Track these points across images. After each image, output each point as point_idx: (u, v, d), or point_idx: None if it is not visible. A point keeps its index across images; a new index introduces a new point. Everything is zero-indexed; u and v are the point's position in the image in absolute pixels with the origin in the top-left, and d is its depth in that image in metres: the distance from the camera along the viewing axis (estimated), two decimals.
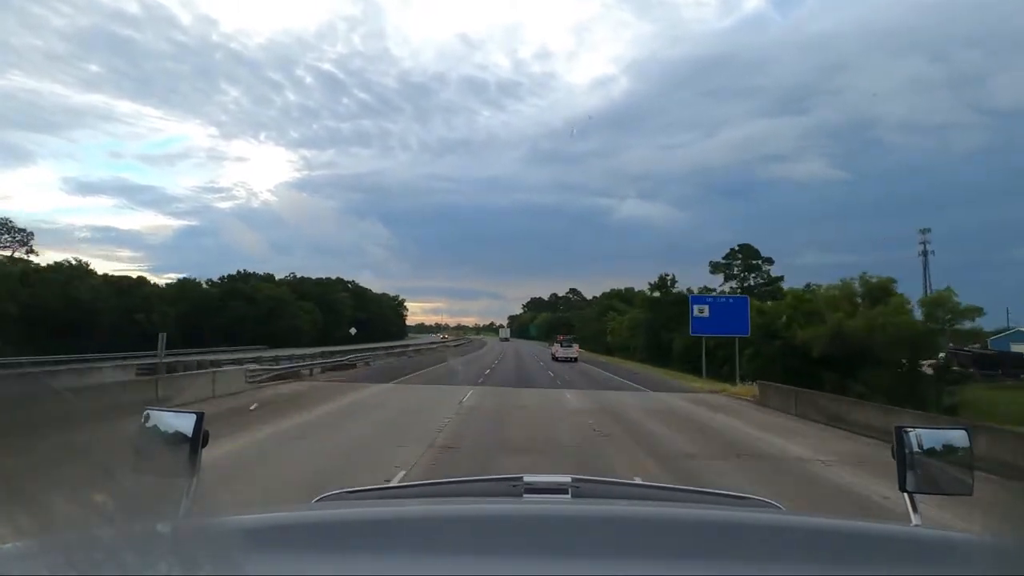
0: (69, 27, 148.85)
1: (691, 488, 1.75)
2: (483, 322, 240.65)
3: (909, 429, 1.40)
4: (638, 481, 1.95)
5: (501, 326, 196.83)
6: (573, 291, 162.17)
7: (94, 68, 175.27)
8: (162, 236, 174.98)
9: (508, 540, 0.97)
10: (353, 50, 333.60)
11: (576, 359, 42.68)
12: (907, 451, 1.38)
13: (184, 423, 1.36)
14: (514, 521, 1.11)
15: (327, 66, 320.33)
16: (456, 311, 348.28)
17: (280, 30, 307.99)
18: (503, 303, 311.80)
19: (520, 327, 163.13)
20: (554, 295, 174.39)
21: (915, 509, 1.35)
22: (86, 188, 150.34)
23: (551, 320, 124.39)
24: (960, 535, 1.10)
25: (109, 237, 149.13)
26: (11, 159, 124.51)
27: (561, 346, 44.91)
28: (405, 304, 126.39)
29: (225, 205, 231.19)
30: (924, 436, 1.40)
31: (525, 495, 1.44)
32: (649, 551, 0.93)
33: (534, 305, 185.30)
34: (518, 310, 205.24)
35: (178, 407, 2.16)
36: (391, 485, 1.88)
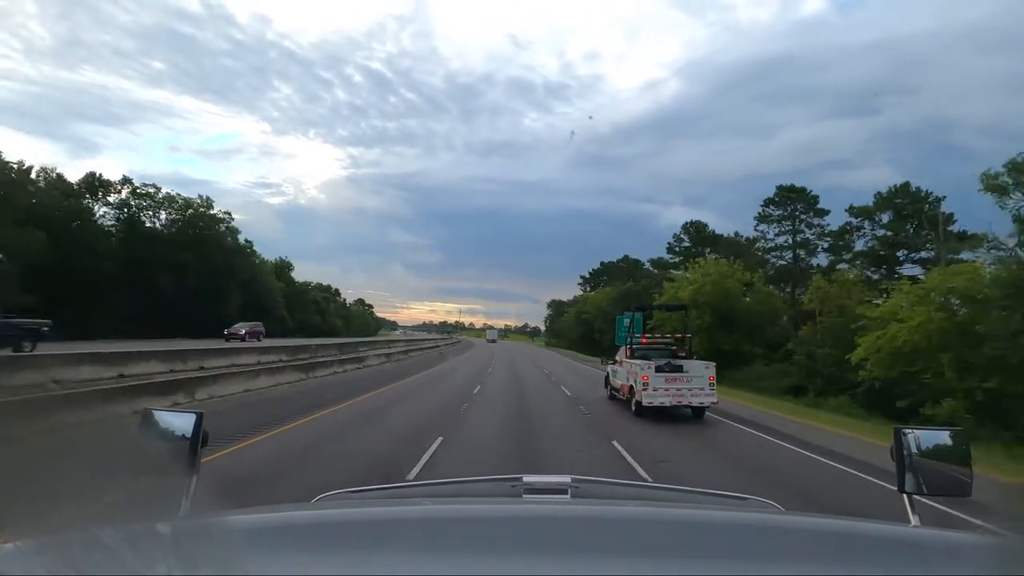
0: (134, 24, 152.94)
1: (690, 488, 1.74)
2: (518, 323, 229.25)
3: (907, 431, 1.41)
4: (637, 481, 1.94)
5: (490, 327, 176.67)
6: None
7: (157, 64, 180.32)
8: None
9: (508, 540, 0.97)
10: (402, 49, 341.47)
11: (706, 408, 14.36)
12: (905, 453, 1.39)
13: (184, 423, 1.37)
14: (514, 521, 1.11)
15: (376, 65, 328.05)
16: (493, 312, 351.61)
17: (332, 29, 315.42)
18: (540, 307, 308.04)
19: (580, 324, 75.28)
20: (697, 222, 60.42)
21: (914, 510, 1.35)
22: (148, 180, 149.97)
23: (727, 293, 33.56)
24: (960, 535, 1.10)
25: None
26: (81, 151, 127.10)
27: (670, 368, 14.06)
28: (289, 267, 70.34)
29: (275, 201, 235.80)
30: (922, 438, 1.40)
31: (525, 495, 1.44)
32: (648, 551, 0.93)
33: (613, 273, 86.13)
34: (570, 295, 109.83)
35: None
36: (391, 485, 1.88)
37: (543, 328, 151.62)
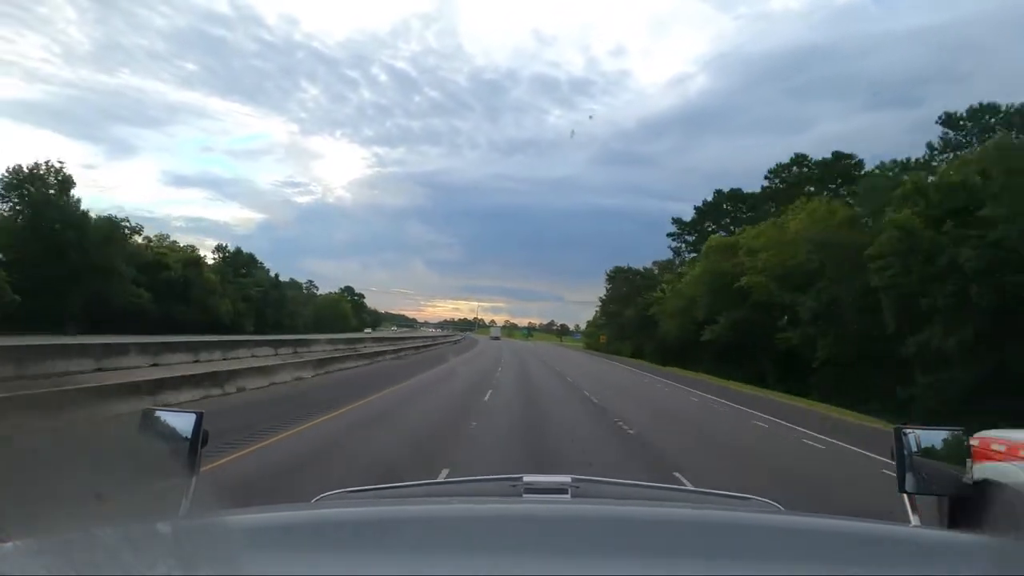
0: (168, 27, 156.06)
1: (691, 488, 1.75)
2: (542, 321, 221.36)
3: (908, 431, 1.41)
4: (638, 481, 1.93)
5: (492, 323, 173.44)
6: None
7: (190, 66, 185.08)
8: (247, 227, 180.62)
9: (507, 540, 0.97)
10: (426, 47, 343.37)
11: None
12: (905, 452, 1.39)
13: (184, 423, 1.37)
14: (513, 521, 1.10)
15: (401, 64, 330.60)
16: (517, 311, 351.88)
17: (357, 28, 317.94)
18: (563, 305, 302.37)
19: (728, 303, 35.11)
20: None
21: (914, 509, 1.36)
22: (181, 180, 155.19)
23: None
24: (960, 535, 1.11)
25: (201, 227, 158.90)
26: (119, 152, 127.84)
27: None
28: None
29: (302, 200, 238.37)
30: (923, 437, 1.41)
31: (525, 495, 1.44)
32: (649, 551, 0.93)
33: (750, 208, 49.69)
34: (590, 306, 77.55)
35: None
36: (391, 485, 1.88)
37: (581, 325, 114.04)
